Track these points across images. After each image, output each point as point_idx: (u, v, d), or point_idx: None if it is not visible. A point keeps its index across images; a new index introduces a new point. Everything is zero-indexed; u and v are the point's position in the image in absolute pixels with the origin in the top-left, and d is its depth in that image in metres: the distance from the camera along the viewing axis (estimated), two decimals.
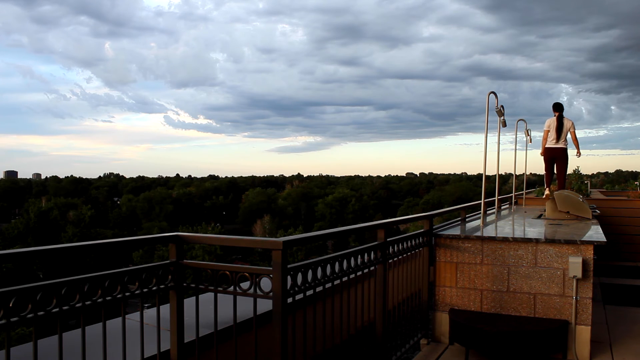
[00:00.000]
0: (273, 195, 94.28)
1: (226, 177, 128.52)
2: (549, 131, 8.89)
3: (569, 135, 8.97)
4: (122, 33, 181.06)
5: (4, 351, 1.91)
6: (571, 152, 9.15)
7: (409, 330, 4.50)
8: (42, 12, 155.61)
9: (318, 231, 3.24)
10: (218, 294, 2.67)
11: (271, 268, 2.51)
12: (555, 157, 8.97)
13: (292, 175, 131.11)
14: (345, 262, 3.15)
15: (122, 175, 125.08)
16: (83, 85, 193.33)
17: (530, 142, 9.63)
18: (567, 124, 8.83)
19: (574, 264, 4.20)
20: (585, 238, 4.37)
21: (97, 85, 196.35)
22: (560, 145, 8.89)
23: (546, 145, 8.98)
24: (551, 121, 8.91)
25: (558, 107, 8.88)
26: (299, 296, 2.73)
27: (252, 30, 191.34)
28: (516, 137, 9.35)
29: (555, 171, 9.16)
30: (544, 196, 9.20)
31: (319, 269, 2.87)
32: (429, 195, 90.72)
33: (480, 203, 5.73)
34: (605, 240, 4.29)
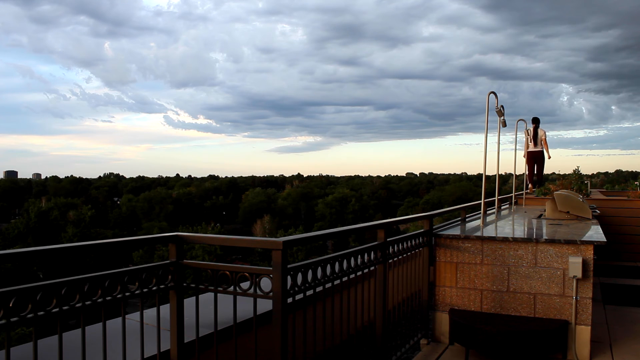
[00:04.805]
0: (273, 195, 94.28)
1: (226, 177, 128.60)
2: (529, 138, 11.32)
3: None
4: (122, 33, 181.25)
5: (4, 351, 1.91)
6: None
7: (409, 330, 4.50)
8: (41, 12, 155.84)
9: (318, 231, 3.23)
10: (218, 294, 2.67)
11: (271, 268, 2.51)
12: (535, 157, 11.44)
13: (292, 175, 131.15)
14: (345, 262, 3.15)
15: (122, 175, 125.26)
16: (83, 85, 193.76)
17: (531, 141, 10.67)
18: (540, 133, 11.33)
19: (574, 264, 4.20)
20: (585, 238, 4.37)
21: (96, 85, 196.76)
22: (538, 148, 11.40)
23: (528, 150, 11.35)
24: (530, 131, 11.34)
25: (535, 120, 11.34)
26: (299, 296, 2.73)
27: (252, 30, 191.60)
28: (516, 137, 9.45)
29: (535, 169, 11.62)
30: (529, 190, 11.41)
31: (319, 269, 2.87)
32: (429, 195, 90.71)
33: (480, 203, 5.73)
34: (605, 240, 4.29)
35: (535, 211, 7.89)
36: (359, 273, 3.37)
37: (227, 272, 2.62)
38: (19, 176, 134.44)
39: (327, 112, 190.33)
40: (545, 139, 11.36)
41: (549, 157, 11.43)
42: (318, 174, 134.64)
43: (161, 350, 2.59)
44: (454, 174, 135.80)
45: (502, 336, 4.08)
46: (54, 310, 2.04)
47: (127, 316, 2.49)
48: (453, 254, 4.71)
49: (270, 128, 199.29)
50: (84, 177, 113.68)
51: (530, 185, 11.44)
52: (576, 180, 11.62)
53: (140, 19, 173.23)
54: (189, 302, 2.81)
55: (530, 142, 11.28)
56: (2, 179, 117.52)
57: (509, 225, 6.15)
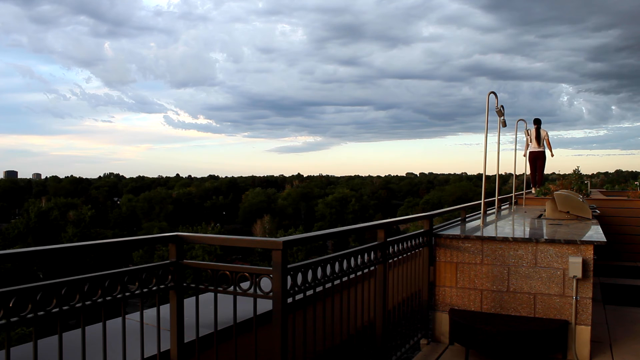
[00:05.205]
0: (273, 195, 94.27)
1: (226, 177, 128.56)
2: (529, 138, 11.56)
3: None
4: (122, 33, 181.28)
5: (4, 351, 1.91)
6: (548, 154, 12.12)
7: (409, 330, 4.50)
8: (41, 12, 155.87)
9: (318, 231, 3.23)
10: (218, 294, 2.67)
11: (271, 268, 2.51)
12: (536, 157, 11.75)
13: (292, 175, 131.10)
14: (345, 262, 3.15)
15: (122, 175, 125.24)
16: (83, 85, 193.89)
17: (531, 141, 10.76)
18: (542, 133, 11.64)
19: (574, 264, 4.20)
20: (585, 238, 4.37)
21: (96, 85, 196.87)
22: (540, 149, 11.71)
23: (529, 150, 11.60)
24: (531, 131, 11.62)
25: (537, 121, 11.61)
26: (299, 296, 2.73)
27: (252, 30, 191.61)
28: (516, 137, 9.46)
29: (536, 169, 11.90)
30: (532, 190, 11.64)
31: (319, 269, 2.87)
32: (429, 195, 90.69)
33: (480, 203, 5.73)
34: (605, 240, 4.29)
35: (535, 211, 7.89)
36: (359, 273, 3.37)
37: (227, 272, 2.62)
38: (19, 176, 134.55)
39: (327, 112, 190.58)
40: (549, 139, 11.80)
41: (552, 156, 11.88)
42: (318, 174, 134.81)
43: (161, 350, 2.59)
44: (454, 174, 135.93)
45: (502, 336, 4.08)
46: (54, 310, 2.04)
47: (127, 316, 2.49)
48: (453, 254, 4.71)
49: (270, 128, 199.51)
50: (84, 177, 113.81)
51: (535, 188, 11.70)
52: (576, 180, 11.63)
53: (140, 19, 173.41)
54: (189, 302, 2.81)
55: (531, 142, 11.59)
56: (2, 179, 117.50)
57: (509, 225, 6.15)
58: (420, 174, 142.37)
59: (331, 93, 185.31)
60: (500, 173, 6.31)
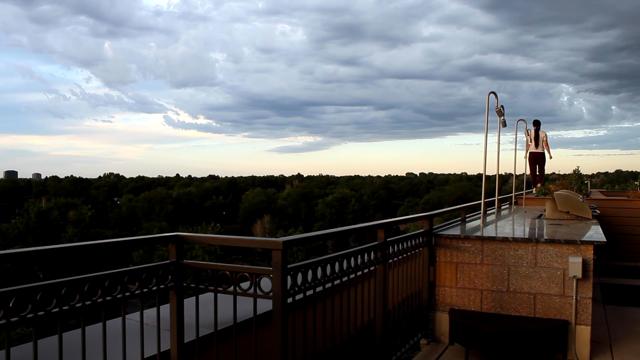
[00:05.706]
0: (273, 195, 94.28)
1: (226, 177, 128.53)
2: (529, 138, 11.75)
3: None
4: (122, 33, 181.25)
5: (4, 351, 1.91)
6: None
7: (409, 330, 4.50)
8: (41, 12, 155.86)
9: (318, 231, 3.23)
10: (218, 294, 2.67)
11: (271, 268, 2.51)
12: (536, 158, 11.96)
13: (292, 175, 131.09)
14: (345, 262, 3.15)
15: (122, 175, 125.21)
16: (83, 85, 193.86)
17: (531, 141, 10.77)
18: (541, 134, 11.86)
19: (574, 264, 4.20)
20: (585, 238, 4.37)
21: (96, 85, 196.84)
22: (539, 150, 11.92)
23: (529, 151, 11.81)
24: (531, 132, 11.87)
25: (536, 123, 11.82)
26: (299, 296, 2.73)
27: (252, 30, 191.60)
28: (516, 137, 9.47)
29: (537, 169, 12.10)
30: (534, 190, 11.71)
31: (319, 269, 2.87)
32: (429, 195, 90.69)
33: (480, 203, 5.73)
34: (605, 240, 4.29)
35: (535, 211, 7.89)
36: (359, 273, 3.37)
37: (227, 272, 2.62)
38: (19, 176, 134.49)
39: (327, 112, 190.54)
40: (547, 141, 11.96)
41: (550, 157, 11.97)
42: (318, 174, 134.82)
43: (161, 350, 2.59)
44: (454, 174, 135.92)
45: (502, 336, 4.08)
46: (54, 310, 2.04)
47: (127, 316, 2.49)
48: (453, 254, 4.71)
49: (270, 128, 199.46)
50: (84, 177, 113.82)
51: (539, 185, 11.83)
52: (576, 180, 11.64)
53: (140, 19, 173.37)
54: (189, 302, 2.81)
55: (531, 142, 11.71)
56: (2, 179, 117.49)
57: (509, 225, 6.15)
58: (420, 174, 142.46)
59: (331, 93, 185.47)
60: (500, 173, 6.31)
